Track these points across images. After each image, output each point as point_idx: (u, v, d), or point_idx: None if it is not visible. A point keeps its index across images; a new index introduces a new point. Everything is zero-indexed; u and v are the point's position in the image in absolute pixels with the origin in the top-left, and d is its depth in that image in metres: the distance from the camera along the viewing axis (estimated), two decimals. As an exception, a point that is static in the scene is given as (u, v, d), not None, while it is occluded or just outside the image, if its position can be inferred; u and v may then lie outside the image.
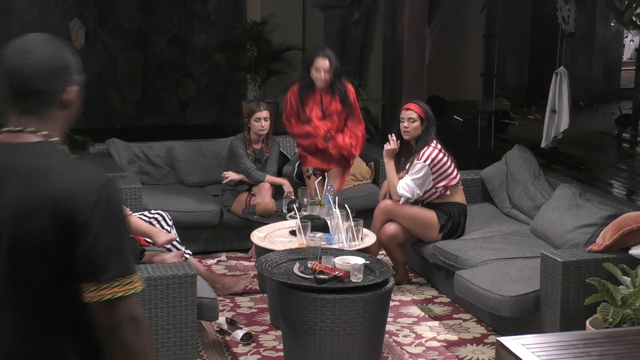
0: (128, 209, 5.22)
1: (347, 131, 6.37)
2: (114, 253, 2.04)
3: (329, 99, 6.28)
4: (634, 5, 7.97)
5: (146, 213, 5.52)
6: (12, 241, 2.02)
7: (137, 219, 5.12)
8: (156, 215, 5.48)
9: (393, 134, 5.82)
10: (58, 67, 2.13)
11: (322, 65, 6.16)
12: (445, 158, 5.75)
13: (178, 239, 5.40)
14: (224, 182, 6.56)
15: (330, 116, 6.30)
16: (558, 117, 8.39)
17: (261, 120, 6.46)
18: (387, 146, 5.82)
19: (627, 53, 16.66)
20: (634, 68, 12.40)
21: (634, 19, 8.92)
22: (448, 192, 5.80)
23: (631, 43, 16.43)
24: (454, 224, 5.78)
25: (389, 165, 5.82)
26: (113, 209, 2.05)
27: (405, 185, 5.70)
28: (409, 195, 5.72)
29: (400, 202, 5.80)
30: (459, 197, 5.88)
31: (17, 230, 2.01)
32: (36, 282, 2.03)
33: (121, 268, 2.04)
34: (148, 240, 5.23)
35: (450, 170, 5.76)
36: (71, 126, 2.23)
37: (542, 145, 8.60)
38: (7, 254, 2.03)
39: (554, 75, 8.37)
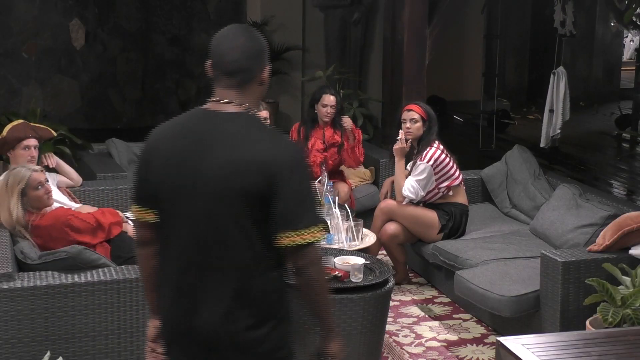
0: (129, 224, 5.21)
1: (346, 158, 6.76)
2: (306, 207, 2.49)
3: (330, 133, 6.69)
4: (633, 6, 7.98)
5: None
6: (224, 190, 2.45)
7: (132, 229, 5.11)
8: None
9: (402, 132, 5.80)
10: (258, 50, 2.61)
11: (329, 101, 6.63)
12: (448, 158, 5.75)
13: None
14: None
15: (331, 148, 6.68)
16: (555, 116, 8.39)
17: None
18: (396, 145, 5.80)
19: (627, 53, 16.67)
20: (634, 68, 12.40)
21: (634, 19, 8.92)
22: (451, 193, 5.80)
23: (631, 43, 16.44)
24: (454, 224, 5.78)
25: (399, 165, 5.81)
26: (305, 171, 2.53)
27: (410, 187, 5.70)
28: (413, 196, 5.72)
29: (404, 203, 5.80)
30: (461, 198, 5.88)
31: (227, 183, 2.45)
32: (242, 223, 2.46)
33: (311, 219, 2.49)
34: None
35: (452, 171, 5.76)
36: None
37: (542, 145, 8.61)
38: (221, 199, 2.46)
39: (551, 75, 8.38)
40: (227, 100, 2.58)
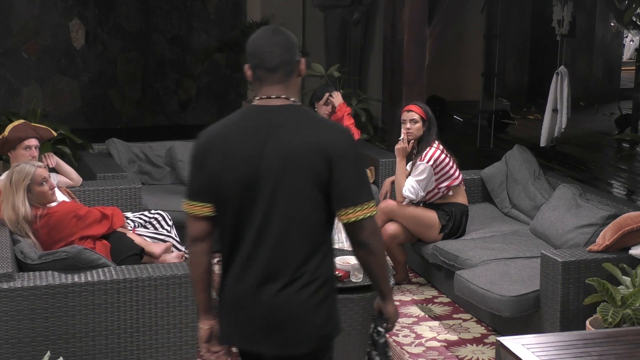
0: (128, 224, 5.22)
1: None
2: (362, 185, 2.77)
3: None
4: (633, 6, 7.97)
5: (146, 213, 5.52)
6: (287, 175, 2.71)
7: (131, 234, 5.12)
8: (156, 215, 5.48)
9: (404, 132, 5.79)
10: (293, 44, 2.84)
11: (331, 100, 6.61)
12: (447, 159, 5.75)
13: (178, 239, 5.40)
14: None
15: None
16: (560, 116, 8.39)
17: None
18: (398, 145, 5.80)
19: (627, 53, 16.67)
20: (634, 68, 12.39)
21: (634, 19, 8.92)
22: (451, 193, 5.80)
23: (631, 43, 16.44)
24: (454, 224, 5.78)
25: (400, 165, 5.81)
26: (358, 152, 2.79)
27: (411, 187, 5.70)
28: (413, 197, 5.72)
29: (404, 203, 5.80)
30: (461, 198, 5.88)
31: (291, 166, 2.71)
32: (304, 204, 2.74)
33: (366, 196, 2.77)
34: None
35: (452, 171, 5.76)
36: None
37: (542, 144, 8.60)
38: (284, 184, 2.72)
39: (554, 75, 8.37)
40: (275, 95, 2.81)
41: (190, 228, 2.88)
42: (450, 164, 5.76)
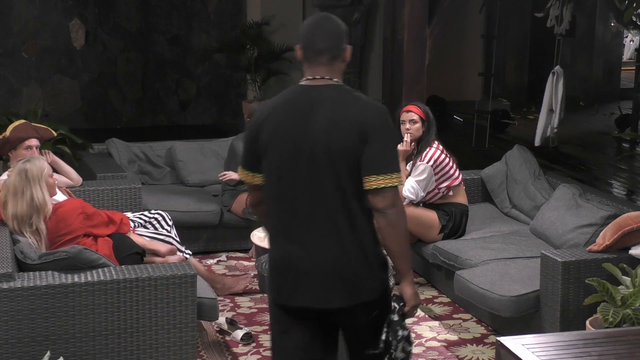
0: (130, 224, 5.22)
1: None
2: (389, 157, 3.11)
3: None
4: (634, 5, 7.96)
5: (146, 213, 5.52)
6: (327, 147, 3.06)
7: (136, 236, 5.13)
8: (156, 215, 5.48)
9: (407, 135, 5.77)
10: (341, 32, 3.20)
11: None
12: (447, 159, 5.75)
13: (178, 239, 5.40)
14: (219, 177, 6.53)
15: None
16: (555, 115, 8.40)
17: None
18: (400, 146, 5.78)
19: (627, 53, 16.66)
20: (634, 68, 12.39)
21: (634, 19, 8.91)
22: (451, 193, 5.81)
23: (631, 43, 16.43)
24: (454, 224, 5.78)
25: (401, 166, 5.79)
26: (390, 128, 3.13)
27: (410, 187, 5.70)
28: (413, 197, 5.72)
29: (404, 204, 5.79)
30: (461, 198, 5.88)
31: (330, 139, 3.06)
32: (341, 173, 3.07)
33: (392, 167, 3.09)
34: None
35: (452, 171, 5.76)
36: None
37: (537, 144, 8.59)
38: (324, 155, 3.06)
39: (550, 75, 8.38)
40: (319, 76, 3.16)
41: (249, 196, 3.63)
42: (450, 164, 5.76)
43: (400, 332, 3.16)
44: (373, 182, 3.04)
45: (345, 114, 3.08)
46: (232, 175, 6.48)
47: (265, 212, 3.23)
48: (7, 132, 5.43)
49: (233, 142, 6.66)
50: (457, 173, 5.82)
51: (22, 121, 5.64)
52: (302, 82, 3.18)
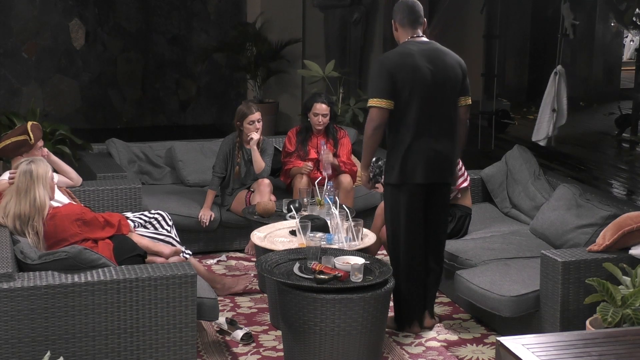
0: (130, 225, 5.22)
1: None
2: (469, 86, 5.09)
3: (324, 142, 6.68)
4: (637, 11, 7.96)
5: (146, 213, 5.51)
6: (446, 81, 4.92)
7: (138, 236, 5.13)
8: (156, 215, 5.47)
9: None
10: (420, 9, 4.99)
11: (321, 110, 6.65)
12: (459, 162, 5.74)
13: (178, 239, 5.40)
14: (201, 221, 6.49)
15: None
16: (558, 115, 8.39)
17: (255, 123, 6.47)
18: None
19: (627, 53, 16.67)
20: (634, 68, 12.39)
21: (634, 19, 8.92)
22: (459, 195, 5.80)
23: (631, 43, 16.44)
24: (456, 225, 5.77)
25: None
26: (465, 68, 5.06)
27: None
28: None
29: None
30: (467, 201, 5.87)
31: (448, 76, 4.92)
32: (453, 98, 5.00)
33: (469, 91, 5.09)
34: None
35: (461, 172, 5.75)
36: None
37: (533, 139, 8.58)
38: (443, 89, 4.91)
39: (552, 75, 8.38)
40: (421, 35, 4.96)
41: (375, 119, 4.81)
42: (460, 165, 5.74)
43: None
44: (462, 100, 5.03)
45: (453, 58, 4.94)
46: (206, 215, 6.44)
47: (380, 136, 4.87)
48: (31, 135, 5.48)
49: (222, 141, 6.66)
50: (465, 174, 5.83)
51: (33, 122, 5.68)
52: (411, 39, 4.90)
